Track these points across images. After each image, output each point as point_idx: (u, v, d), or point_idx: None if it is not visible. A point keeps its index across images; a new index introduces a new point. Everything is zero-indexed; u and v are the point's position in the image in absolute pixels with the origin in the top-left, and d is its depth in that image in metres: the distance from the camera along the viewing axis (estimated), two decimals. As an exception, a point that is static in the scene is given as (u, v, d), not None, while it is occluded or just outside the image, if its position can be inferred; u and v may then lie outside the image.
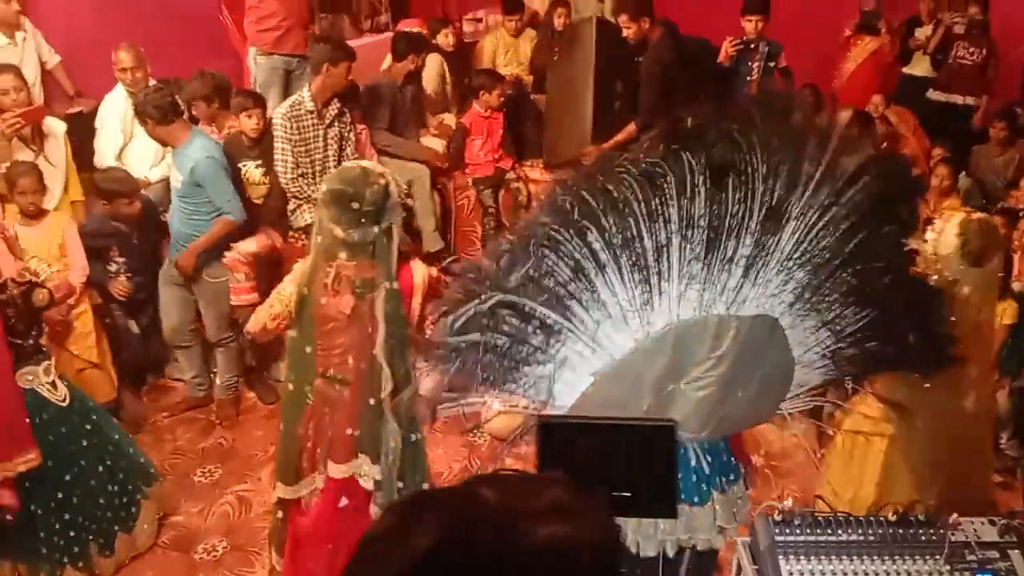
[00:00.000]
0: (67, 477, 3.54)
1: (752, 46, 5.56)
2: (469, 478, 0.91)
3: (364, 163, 3.08)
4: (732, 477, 2.61)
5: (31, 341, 3.47)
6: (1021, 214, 4.69)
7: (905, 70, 7.17)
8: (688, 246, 2.12)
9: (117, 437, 3.83)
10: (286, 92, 5.59)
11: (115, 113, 5.20)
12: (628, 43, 5.58)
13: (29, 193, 4.23)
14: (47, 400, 3.48)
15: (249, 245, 3.76)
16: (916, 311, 2.39)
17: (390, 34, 6.38)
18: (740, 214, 2.11)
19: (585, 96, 5.56)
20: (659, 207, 2.09)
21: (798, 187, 2.15)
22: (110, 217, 4.57)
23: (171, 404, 4.86)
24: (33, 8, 5.53)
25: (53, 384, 3.52)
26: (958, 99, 6.83)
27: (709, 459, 2.52)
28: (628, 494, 1.79)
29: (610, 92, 5.59)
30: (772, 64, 5.70)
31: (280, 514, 3.25)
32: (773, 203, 2.14)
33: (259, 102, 4.91)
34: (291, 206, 4.98)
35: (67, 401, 3.54)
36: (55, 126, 4.89)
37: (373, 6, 7.08)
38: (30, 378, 3.45)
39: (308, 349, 2.98)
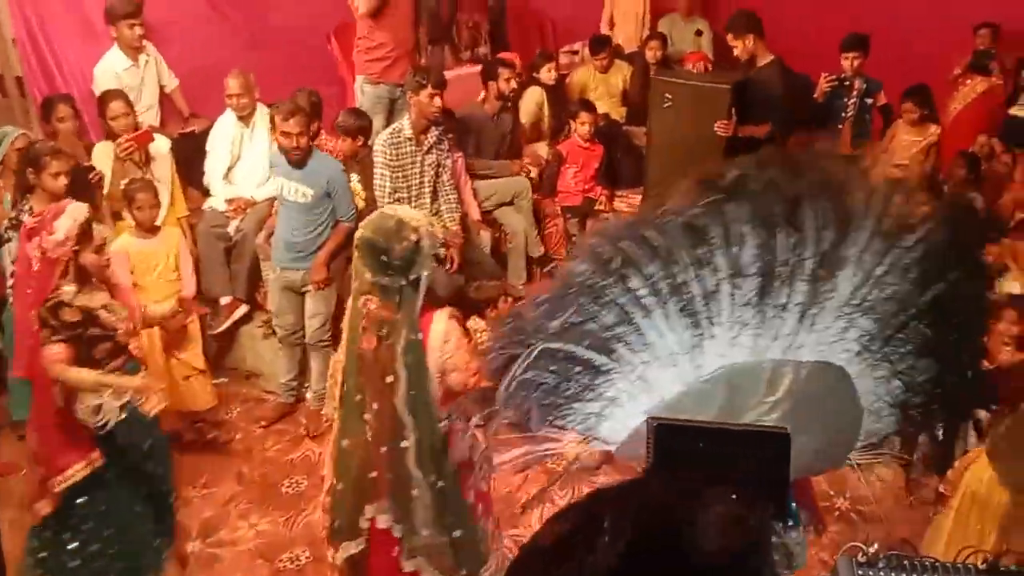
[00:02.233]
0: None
1: (847, 83, 5.50)
2: (634, 480, 0.91)
3: (403, 214, 2.90)
4: (791, 523, 2.56)
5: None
6: None
7: (1012, 111, 6.93)
8: (738, 292, 2.08)
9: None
10: (389, 120, 5.78)
11: (225, 135, 5.47)
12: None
13: (147, 208, 4.50)
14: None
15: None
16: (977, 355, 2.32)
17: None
18: (792, 262, 2.07)
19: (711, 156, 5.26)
20: (706, 255, 2.05)
21: (850, 233, 2.09)
22: None
23: (263, 415, 5.05)
24: (154, 33, 5.86)
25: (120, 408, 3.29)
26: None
27: None
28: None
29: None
30: (869, 101, 5.62)
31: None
32: (827, 249, 2.09)
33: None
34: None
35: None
36: (160, 144, 5.16)
37: (474, 37, 7.25)
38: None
39: (358, 398, 2.92)
